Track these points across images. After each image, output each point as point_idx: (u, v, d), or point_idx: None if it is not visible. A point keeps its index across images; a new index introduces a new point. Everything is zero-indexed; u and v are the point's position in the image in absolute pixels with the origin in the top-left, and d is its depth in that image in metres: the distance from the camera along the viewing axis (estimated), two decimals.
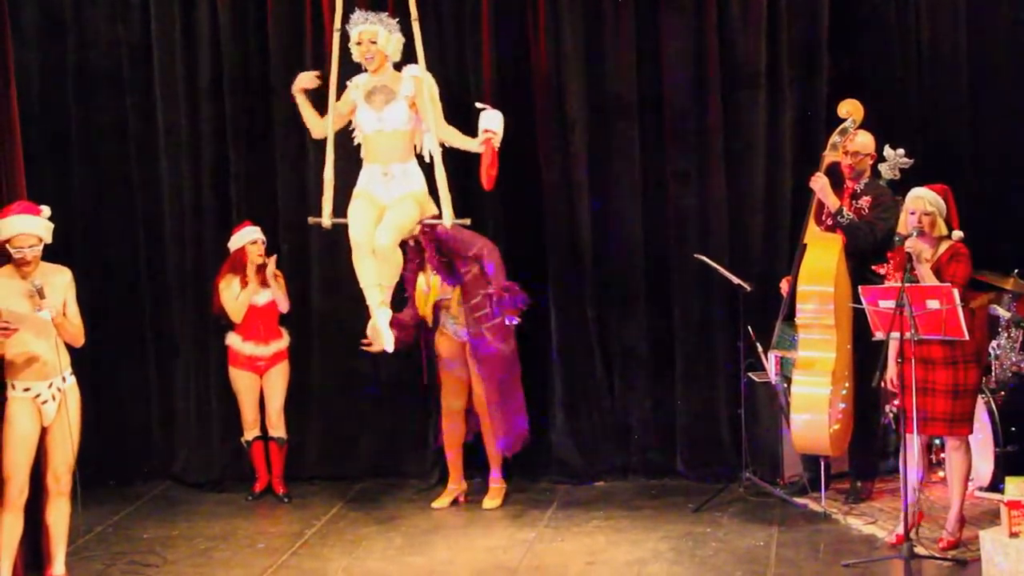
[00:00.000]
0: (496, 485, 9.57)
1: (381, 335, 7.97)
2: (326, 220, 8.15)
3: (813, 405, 8.57)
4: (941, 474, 8.99)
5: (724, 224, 9.80)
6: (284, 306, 9.71)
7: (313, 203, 9.75)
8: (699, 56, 9.77)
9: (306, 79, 8.30)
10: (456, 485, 9.63)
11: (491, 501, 9.50)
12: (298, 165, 10.02)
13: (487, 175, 7.97)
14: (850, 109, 8.85)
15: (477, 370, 9.27)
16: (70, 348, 7.86)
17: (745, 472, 9.39)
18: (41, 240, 7.67)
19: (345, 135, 8.31)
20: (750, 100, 9.77)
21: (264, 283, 9.60)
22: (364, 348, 8.69)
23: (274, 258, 9.65)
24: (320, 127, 8.29)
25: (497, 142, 7.98)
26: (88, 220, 10.17)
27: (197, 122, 10.12)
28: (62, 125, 10.19)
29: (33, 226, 7.66)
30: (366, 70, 8.19)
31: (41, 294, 7.58)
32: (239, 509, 9.64)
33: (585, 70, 9.85)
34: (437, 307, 9.35)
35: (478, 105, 8.08)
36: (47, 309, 7.60)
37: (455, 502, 9.58)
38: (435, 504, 9.54)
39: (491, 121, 7.97)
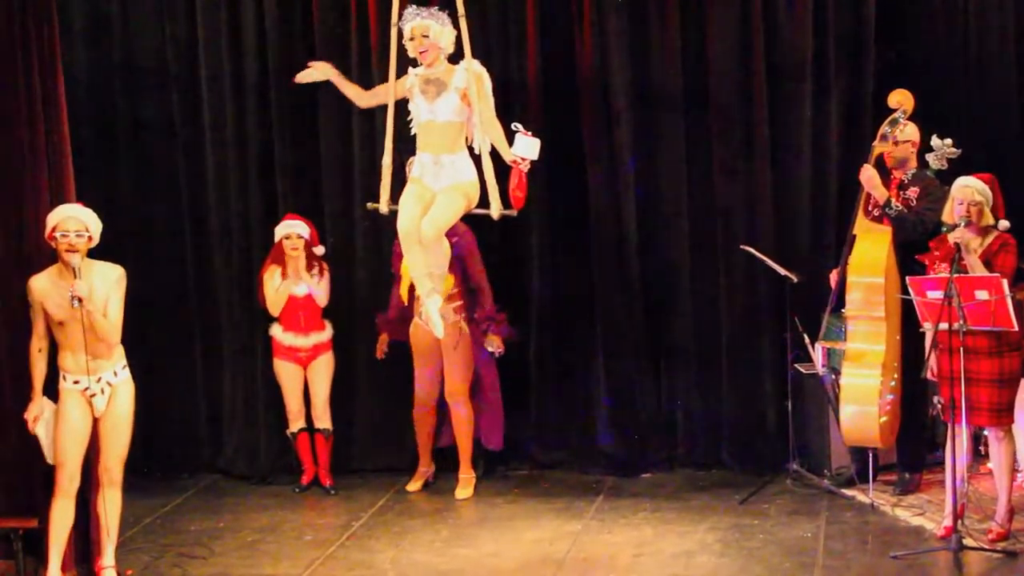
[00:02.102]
0: (466, 475, 9.69)
1: (432, 322, 8.09)
2: (383, 206, 8.29)
3: (863, 396, 8.54)
4: (990, 465, 8.92)
5: (770, 216, 9.77)
6: (321, 300, 9.72)
7: (359, 196, 9.86)
8: (745, 48, 9.73)
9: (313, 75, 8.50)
10: (426, 468, 9.81)
11: (463, 491, 9.63)
12: (344, 159, 10.06)
13: (513, 196, 8.02)
14: (900, 100, 8.77)
15: (452, 357, 9.49)
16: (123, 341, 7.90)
17: (792, 463, 9.37)
18: (88, 229, 7.69)
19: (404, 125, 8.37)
20: (796, 92, 9.73)
21: (297, 274, 9.64)
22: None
23: (316, 250, 9.68)
24: (365, 98, 8.50)
25: (525, 167, 7.99)
26: (135, 214, 10.23)
27: (243, 117, 10.16)
28: (109, 121, 10.25)
29: (80, 213, 7.70)
30: (421, 64, 8.26)
31: (76, 274, 7.57)
32: (286, 501, 9.67)
33: (630, 63, 9.84)
34: (413, 292, 9.36)
35: (514, 127, 8.08)
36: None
37: (426, 484, 9.78)
38: (409, 487, 9.74)
39: (524, 148, 7.99)
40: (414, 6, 8.25)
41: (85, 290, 7.60)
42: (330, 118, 10.07)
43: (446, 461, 9.88)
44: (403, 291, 9.47)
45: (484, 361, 9.70)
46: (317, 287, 9.66)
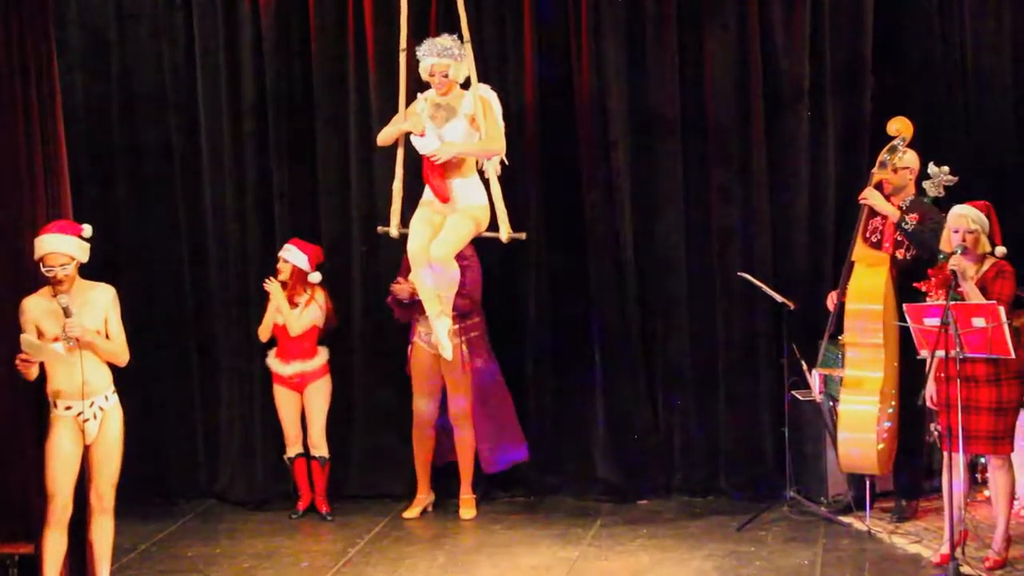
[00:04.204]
0: (467, 496, 9.70)
1: (441, 344, 8.14)
2: (394, 230, 8.41)
3: (861, 423, 8.54)
4: (987, 493, 8.92)
5: (767, 242, 9.77)
6: (293, 329, 9.62)
7: (356, 220, 9.87)
8: (742, 74, 9.75)
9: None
10: (425, 495, 9.77)
11: (467, 511, 9.66)
12: (342, 184, 10.06)
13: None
14: (900, 127, 8.79)
15: (452, 380, 9.48)
16: (115, 366, 7.87)
17: (789, 490, 9.36)
18: (73, 259, 7.65)
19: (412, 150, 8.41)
20: (793, 118, 9.74)
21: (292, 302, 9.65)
22: None
23: (311, 277, 9.67)
24: (385, 135, 8.47)
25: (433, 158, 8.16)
26: (133, 239, 10.22)
27: (241, 141, 10.15)
28: (107, 145, 10.24)
29: (63, 245, 7.63)
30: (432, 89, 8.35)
31: (67, 313, 7.56)
32: (282, 527, 9.65)
33: (627, 89, 9.85)
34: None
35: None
36: (61, 343, 7.55)
37: (424, 512, 9.74)
38: (406, 515, 9.69)
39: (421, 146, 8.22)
40: (432, 40, 8.31)
41: (79, 331, 7.59)
42: (328, 143, 10.07)
43: (441, 486, 9.87)
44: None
45: (490, 381, 9.70)
46: (291, 315, 9.62)
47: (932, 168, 8.75)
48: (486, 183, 8.26)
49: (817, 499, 9.30)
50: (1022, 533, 8.48)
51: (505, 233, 8.23)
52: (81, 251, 7.71)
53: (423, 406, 9.64)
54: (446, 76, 8.23)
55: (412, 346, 9.61)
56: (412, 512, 9.71)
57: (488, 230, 8.31)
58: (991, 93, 9.79)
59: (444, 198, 8.17)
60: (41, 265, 7.62)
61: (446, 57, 8.22)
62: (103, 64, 10.25)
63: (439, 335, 8.17)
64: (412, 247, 8.16)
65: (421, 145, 8.16)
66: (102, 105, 10.25)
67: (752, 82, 9.72)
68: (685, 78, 9.84)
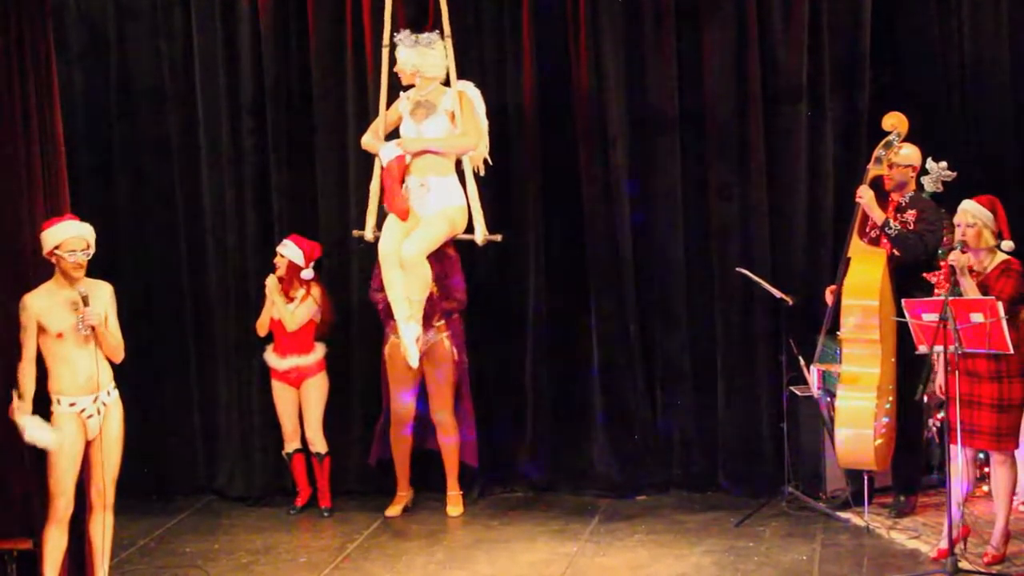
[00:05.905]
0: (454, 493, 9.69)
1: (407, 350, 8.08)
2: (368, 233, 8.36)
3: (858, 419, 8.55)
4: (986, 488, 8.93)
5: (766, 238, 9.77)
6: (288, 324, 9.60)
7: (354, 217, 9.86)
8: (740, 70, 9.75)
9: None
10: (405, 492, 9.76)
11: (455, 508, 9.64)
12: (339, 180, 10.05)
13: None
14: (895, 122, 8.80)
15: (436, 377, 9.42)
16: (113, 363, 7.88)
17: (788, 486, 9.36)
18: (90, 245, 7.67)
19: None
20: (792, 114, 9.74)
21: (288, 297, 9.65)
22: None
23: (304, 273, 9.65)
24: (368, 144, 8.47)
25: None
26: (131, 235, 10.23)
27: (239, 137, 10.15)
28: (105, 141, 10.25)
29: (84, 231, 7.67)
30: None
31: (86, 302, 7.56)
32: (281, 523, 9.66)
33: (626, 85, 9.85)
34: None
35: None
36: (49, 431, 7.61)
37: (405, 509, 9.72)
38: (388, 512, 9.65)
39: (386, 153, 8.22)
40: (406, 32, 8.30)
41: (96, 320, 7.60)
42: (326, 141, 10.07)
43: (431, 481, 9.88)
44: None
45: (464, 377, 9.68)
46: (286, 310, 9.62)
47: (930, 163, 8.76)
48: (464, 183, 8.23)
49: (815, 495, 9.30)
50: (1021, 529, 8.47)
51: (481, 235, 8.20)
52: (93, 241, 7.73)
53: (402, 401, 9.57)
54: (414, 72, 8.34)
55: (390, 344, 9.52)
56: (394, 510, 9.67)
57: (464, 232, 8.27)
58: (990, 87, 9.77)
59: (403, 215, 8.12)
60: (60, 251, 7.58)
61: (412, 48, 8.27)
62: (102, 61, 10.25)
63: (406, 341, 8.10)
64: (384, 247, 8.11)
65: (385, 153, 8.11)
66: (101, 102, 10.25)
67: (750, 79, 9.72)
68: (683, 75, 9.84)
